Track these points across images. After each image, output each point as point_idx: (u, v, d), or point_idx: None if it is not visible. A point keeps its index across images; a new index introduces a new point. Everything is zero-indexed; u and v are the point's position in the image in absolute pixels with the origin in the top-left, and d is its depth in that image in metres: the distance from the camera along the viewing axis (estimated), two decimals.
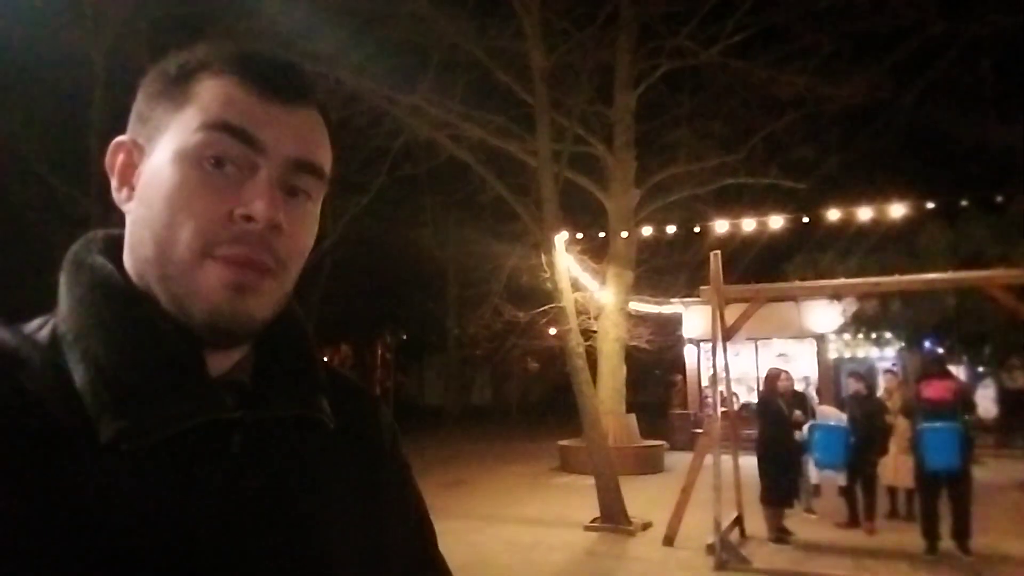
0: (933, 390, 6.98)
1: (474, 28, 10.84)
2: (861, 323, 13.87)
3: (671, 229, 12.78)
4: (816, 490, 8.81)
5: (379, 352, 27.86)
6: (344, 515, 0.73)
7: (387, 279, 22.03)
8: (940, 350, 11.40)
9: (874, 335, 14.10)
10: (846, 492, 8.28)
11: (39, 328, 0.67)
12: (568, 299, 9.11)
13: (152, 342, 0.64)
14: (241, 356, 0.73)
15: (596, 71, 12.43)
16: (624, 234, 12.91)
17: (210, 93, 0.67)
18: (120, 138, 0.71)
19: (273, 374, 0.73)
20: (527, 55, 9.76)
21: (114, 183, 0.71)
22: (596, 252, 12.87)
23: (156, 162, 0.67)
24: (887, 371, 9.38)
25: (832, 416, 8.57)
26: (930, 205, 11.45)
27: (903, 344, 13.40)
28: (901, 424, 7.84)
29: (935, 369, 7.29)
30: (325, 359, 0.86)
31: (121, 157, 0.70)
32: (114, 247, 0.71)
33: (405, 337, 28.45)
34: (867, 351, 15.11)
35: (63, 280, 0.69)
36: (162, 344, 0.64)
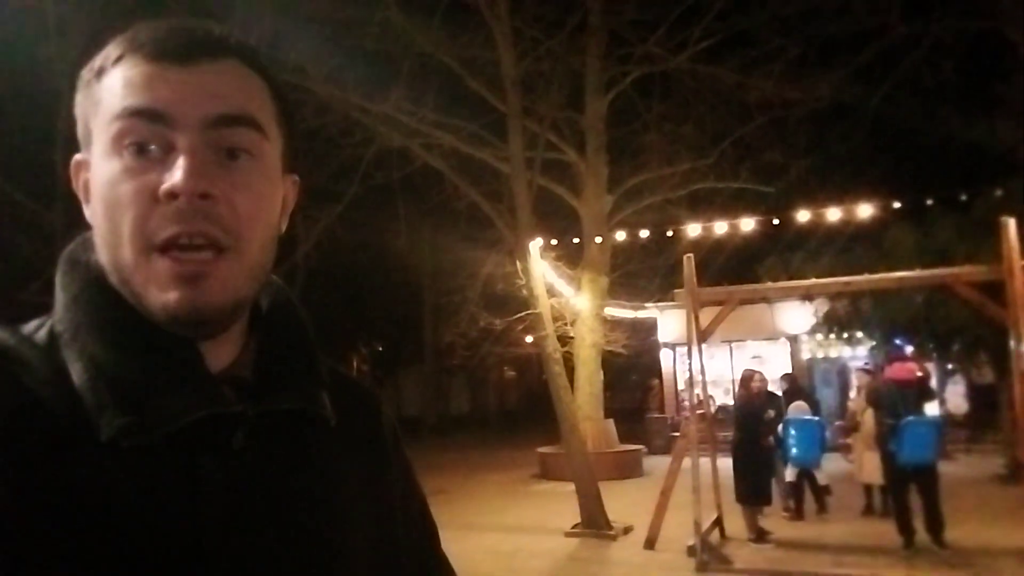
0: (898, 371, 7.16)
1: (445, 36, 10.83)
2: (833, 323, 14.04)
3: (644, 234, 12.88)
4: (792, 488, 8.93)
5: (354, 364, 27.66)
6: (349, 510, 0.73)
7: (361, 289, 21.90)
8: (909, 347, 11.59)
9: (846, 335, 14.29)
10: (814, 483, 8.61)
11: (37, 329, 0.66)
12: (544, 305, 9.12)
13: (148, 339, 0.63)
14: (240, 351, 0.72)
15: (567, 78, 12.48)
16: (598, 239, 12.97)
17: (116, 83, 0.64)
18: (77, 157, 0.70)
19: (274, 369, 0.72)
20: (498, 63, 9.78)
21: (84, 205, 0.69)
22: (571, 258, 12.92)
23: (93, 170, 0.66)
24: (859, 369, 9.51)
25: (802, 410, 8.70)
26: (897, 205, 11.67)
27: (874, 343, 13.58)
28: (868, 422, 7.96)
29: (898, 354, 7.64)
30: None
31: (78, 175, 0.69)
32: None
33: (380, 348, 28.29)
34: (840, 350, 15.29)
35: (58, 279, 0.68)
36: (159, 340, 0.64)
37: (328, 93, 10.19)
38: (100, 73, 0.66)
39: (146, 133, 0.63)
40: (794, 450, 8.29)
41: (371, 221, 15.99)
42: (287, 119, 0.73)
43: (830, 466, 9.05)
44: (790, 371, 9.37)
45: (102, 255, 0.66)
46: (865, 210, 10.88)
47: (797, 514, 8.65)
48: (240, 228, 0.65)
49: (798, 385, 9.60)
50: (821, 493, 8.80)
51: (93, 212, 0.66)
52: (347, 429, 0.76)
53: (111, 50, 0.66)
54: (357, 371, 27.49)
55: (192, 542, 0.60)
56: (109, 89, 0.64)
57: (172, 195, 0.61)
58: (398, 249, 17.40)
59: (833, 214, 10.99)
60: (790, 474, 8.80)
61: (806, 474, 8.75)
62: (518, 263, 9.36)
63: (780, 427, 8.32)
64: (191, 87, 0.64)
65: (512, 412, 26.77)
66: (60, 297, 0.67)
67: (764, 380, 8.41)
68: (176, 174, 0.61)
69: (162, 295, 0.62)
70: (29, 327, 0.67)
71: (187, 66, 0.64)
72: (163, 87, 0.63)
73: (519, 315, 10.56)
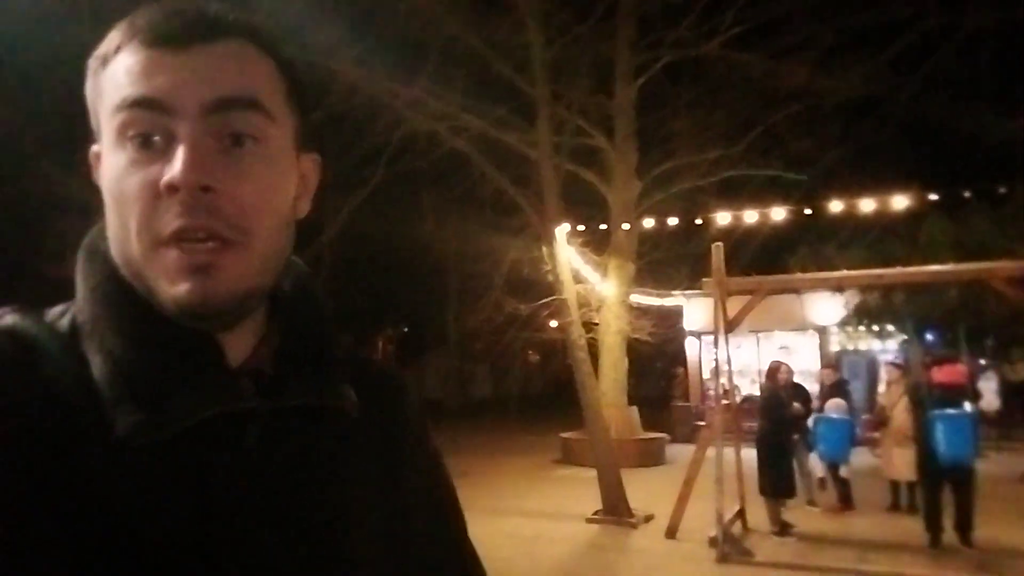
0: (945, 374, 7.00)
1: (474, 20, 10.77)
2: (863, 315, 13.84)
3: (673, 221, 12.74)
4: (821, 483, 8.86)
5: (379, 346, 27.86)
6: (366, 507, 0.71)
7: (387, 273, 22.00)
8: (942, 342, 11.40)
9: (876, 327, 14.07)
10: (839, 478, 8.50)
11: (60, 315, 0.66)
12: (570, 291, 9.09)
13: (166, 334, 0.63)
14: (260, 341, 0.70)
15: (596, 63, 12.36)
16: (626, 226, 12.87)
17: (117, 72, 0.63)
18: (93, 147, 0.69)
19: (293, 361, 0.70)
20: (527, 47, 9.70)
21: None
22: (598, 244, 12.83)
23: (103, 162, 0.65)
24: (889, 364, 9.37)
25: (837, 408, 8.59)
26: (932, 197, 11.44)
27: (905, 337, 13.37)
28: (899, 417, 7.85)
29: (945, 355, 7.44)
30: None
31: (95, 168, 0.68)
32: None
33: (405, 331, 28.45)
34: (869, 343, 15.08)
35: (78, 268, 0.68)
36: (176, 335, 0.63)
37: (356, 76, 10.18)
38: (104, 62, 0.64)
39: (148, 123, 0.61)
40: (822, 446, 8.21)
41: (397, 206, 16.04)
42: (300, 96, 0.70)
43: (856, 460, 8.94)
44: (833, 364, 9.30)
45: (113, 249, 0.65)
46: (899, 202, 10.68)
47: (846, 504, 8.53)
48: (245, 220, 0.63)
49: (840, 380, 9.48)
50: (846, 488, 8.70)
51: (106, 207, 0.65)
52: (369, 418, 0.74)
53: (113, 37, 0.64)
54: (382, 354, 27.70)
55: (201, 540, 0.59)
56: (111, 79, 0.63)
57: (173, 188, 0.60)
58: (424, 234, 17.45)
59: (866, 205, 10.79)
60: (820, 468, 8.72)
61: (831, 468, 8.69)
62: (544, 249, 9.32)
63: (810, 421, 8.25)
64: (188, 72, 0.62)
65: (535, 397, 26.79)
66: (80, 287, 0.67)
67: (790, 371, 8.33)
68: (176, 166, 0.60)
69: (172, 287, 0.61)
70: (54, 313, 0.66)
71: (183, 50, 0.62)
72: (159, 74, 0.61)
73: (544, 301, 10.53)
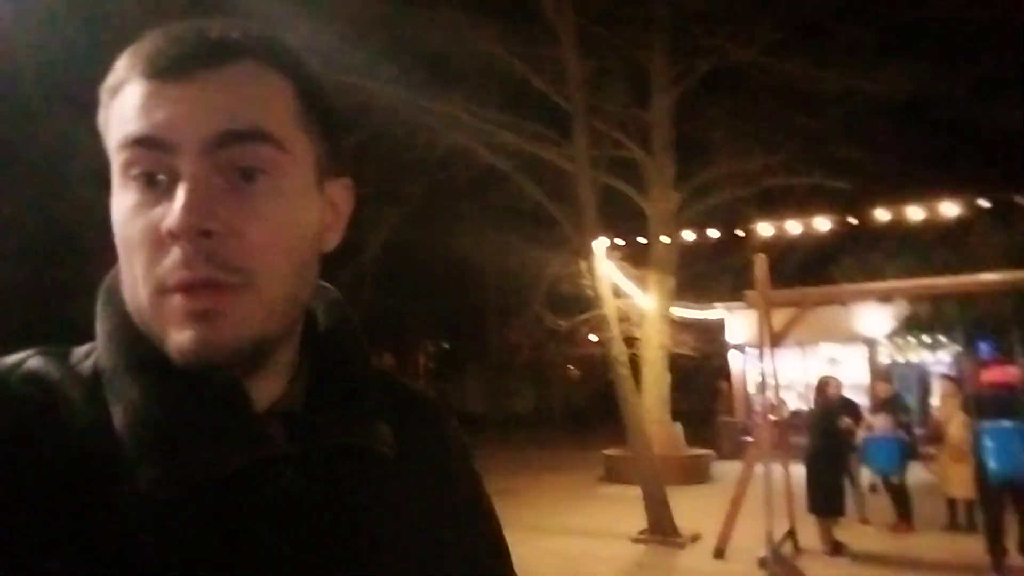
0: (994, 374, 6.75)
1: (508, 36, 10.81)
2: (913, 326, 13.46)
3: (713, 233, 12.57)
4: (873, 489, 8.58)
5: (421, 361, 27.98)
6: (406, 547, 0.68)
7: (427, 288, 22.13)
8: (995, 352, 11.01)
9: (927, 339, 13.66)
10: (895, 490, 8.19)
11: (84, 357, 0.63)
12: (610, 306, 9.00)
13: (187, 382, 0.59)
14: (291, 380, 0.67)
15: (632, 74, 12.30)
16: (665, 239, 12.74)
17: (122, 106, 0.59)
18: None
19: (326, 401, 0.67)
20: (562, 61, 9.69)
21: None
22: (637, 258, 12.71)
23: (112, 200, 0.61)
24: (944, 377, 9.07)
25: (884, 427, 8.34)
26: (983, 203, 11.09)
27: (958, 348, 12.96)
28: (954, 431, 7.60)
29: (996, 358, 7.19)
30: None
31: None
32: None
33: (446, 346, 28.53)
34: (920, 355, 14.66)
35: (97, 312, 0.65)
36: (198, 383, 0.59)
37: (394, 95, 10.28)
38: (112, 94, 0.60)
39: (151, 162, 0.57)
40: (872, 462, 7.98)
41: (437, 221, 16.14)
42: (323, 119, 0.64)
43: (911, 476, 8.65)
44: (887, 378, 9.05)
45: (125, 294, 0.61)
46: (949, 208, 10.37)
47: (905, 522, 8.22)
48: (251, 261, 0.58)
49: (895, 394, 9.18)
50: (906, 503, 8.37)
51: (117, 246, 0.61)
52: (408, 452, 0.70)
53: (120, 68, 0.60)
54: (423, 369, 27.82)
55: None
56: (117, 113, 0.59)
57: (173, 235, 0.56)
58: (463, 249, 17.53)
59: (914, 212, 10.51)
60: (869, 477, 8.46)
61: (885, 482, 8.40)
62: (583, 263, 9.26)
63: (859, 437, 8.02)
64: (189, 104, 0.57)
65: (577, 412, 26.61)
66: (99, 332, 0.63)
67: (840, 386, 8.12)
68: (174, 211, 0.55)
69: (176, 335, 0.57)
70: (78, 354, 0.64)
71: (185, 80, 0.57)
72: (159, 109, 0.57)
73: (584, 316, 10.45)
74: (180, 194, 0.56)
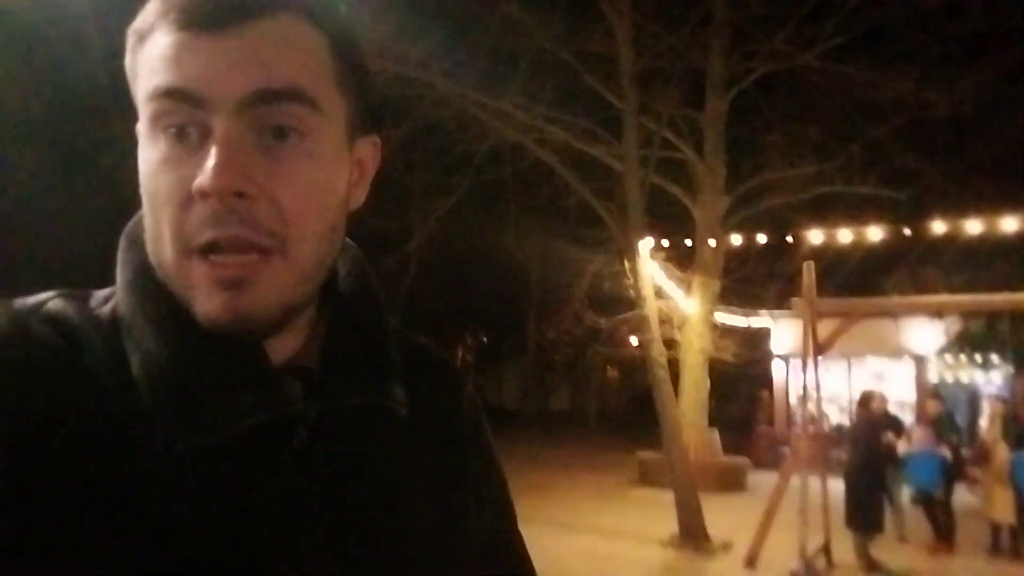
0: None
1: (564, 31, 10.77)
2: (965, 344, 13.04)
3: (762, 238, 12.36)
4: (915, 501, 8.38)
5: (459, 353, 28.13)
6: (420, 507, 0.68)
7: (470, 281, 22.24)
8: None
9: (979, 358, 13.23)
10: (937, 508, 7.95)
11: (104, 302, 0.63)
12: (651, 307, 8.93)
13: (206, 337, 0.58)
14: (307, 337, 0.66)
15: (686, 74, 12.15)
16: (712, 242, 12.57)
17: (151, 54, 0.57)
18: (138, 125, 0.64)
19: (342, 358, 0.66)
20: (616, 58, 9.63)
21: None
22: (682, 260, 12.57)
23: (140, 150, 0.60)
24: (994, 397, 8.80)
25: (927, 442, 8.12)
26: None
27: (1011, 368, 12.53)
28: (1000, 453, 7.38)
29: None
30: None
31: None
32: None
33: (485, 339, 28.63)
34: (971, 375, 14.21)
35: (119, 257, 0.64)
36: (216, 335, 0.58)
37: (447, 88, 10.33)
38: (141, 38, 0.58)
39: (181, 115, 0.56)
40: (913, 479, 7.78)
41: (482, 215, 16.19)
42: (354, 76, 0.63)
43: (955, 498, 8.40)
44: (938, 395, 8.85)
45: (149, 247, 0.60)
46: (1008, 223, 10.02)
47: (944, 542, 7.97)
48: (286, 226, 0.57)
49: (947, 412, 8.93)
50: (949, 524, 8.12)
51: (142, 197, 0.60)
52: (424, 413, 0.70)
53: (149, 11, 0.58)
54: (462, 361, 27.96)
55: (248, 547, 0.56)
56: (146, 61, 0.58)
57: (204, 194, 0.55)
58: (507, 243, 17.56)
59: (972, 226, 10.18)
60: (908, 494, 8.26)
61: (925, 502, 8.16)
62: (626, 263, 9.20)
63: (900, 452, 7.83)
64: (224, 59, 0.55)
65: (614, 413, 26.50)
66: (119, 279, 0.63)
67: (885, 400, 7.94)
68: (207, 170, 0.54)
69: (204, 302, 0.57)
70: (98, 298, 0.63)
71: (220, 32, 0.55)
72: (193, 61, 0.55)
73: (624, 316, 10.38)
74: (213, 152, 0.55)
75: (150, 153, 0.58)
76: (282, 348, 0.64)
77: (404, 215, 15.50)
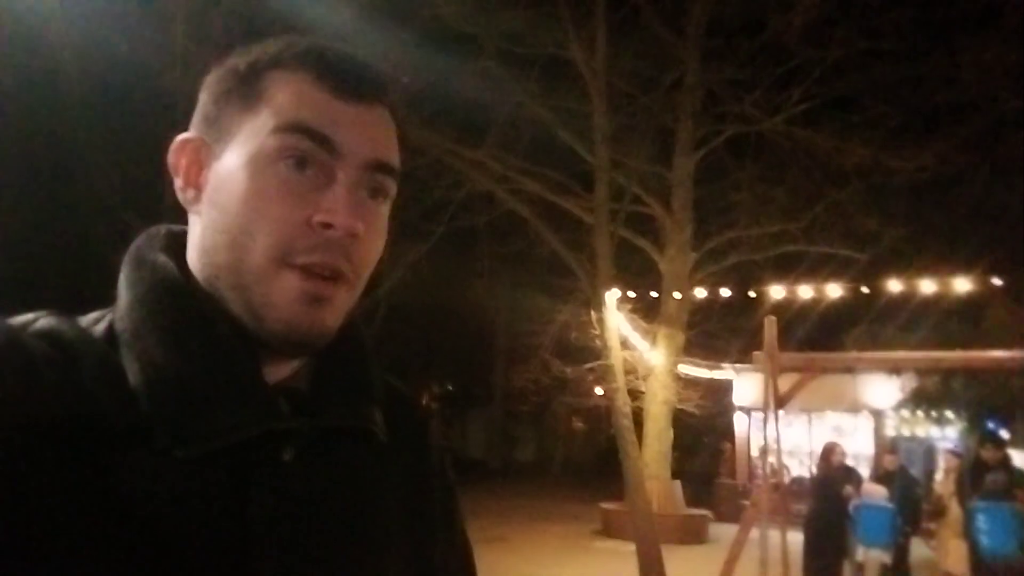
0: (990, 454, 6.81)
1: (540, 88, 11.08)
2: (921, 400, 13.36)
3: (726, 292, 12.63)
4: (859, 568, 8.44)
5: (424, 401, 27.84)
6: (395, 530, 0.72)
7: (437, 328, 22.14)
8: (1004, 432, 10.91)
9: (935, 413, 13.55)
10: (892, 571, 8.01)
11: (95, 322, 0.66)
12: (617, 357, 9.04)
13: (210, 346, 0.63)
14: (300, 363, 0.71)
15: (657, 133, 12.52)
16: (677, 295, 12.81)
17: (284, 93, 0.65)
18: (186, 135, 0.69)
19: (330, 383, 0.71)
20: (590, 115, 9.91)
21: (179, 182, 0.69)
22: (647, 312, 12.78)
23: (229, 165, 0.66)
24: (948, 451, 9.00)
25: (877, 495, 8.26)
26: (997, 281, 11.12)
27: (965, 424, 12.84)
28: (954, 506, 7.53)
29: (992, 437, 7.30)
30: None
31: (188, 155, 0.69)
32: (176, 244, 0.70)
33: (451, 388, 28.42)
34: (927, 430, 14.51)
35: (123, 275, 0.67)
36: (220, 349, 0.63)
37: (424, 137, 10.53)
38: (260, 72, 0.67)
39: (311, 154, 0.65)
40: (862, 532, 7.87)
41: (452, 262, 16.26)
42: (396, 208, 0.76)
43: (911, 552, 8.51)
44: (894, 450, 9.01)
45: (212, 255, 0.66)
46: (962, 284, 10.40)
47: None
48: (363, 267, 0.68)
49: (901, 467, 9.08)
50: None
51: (219, 210, 0.66)
52: (396, 445, 0.75)
53: (273, 51, 0.67)
54: (426, 408, 27.56)
55: (237, 555, 0.59)
56: (273, 97, 0.65)
57: (328, 226, 0.64)
58: (476, 291, 17.60)
59: (927, 286, 10.55)
60: (860, 554, 8.34)
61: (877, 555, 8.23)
62: (593, 313, 9.33)
63: (851, 507, 7.93)
64: (362, 128, 0.67)
65: (578, 465, 26.34)
66: (124, 296, 0.66)
67: (844, 454, 8.07)
68: (337, 207, 0.64)
69: (285, 310, 0.64)
70: (88, 319, 0.66)
71: (361, 104, 0.67)
72: (340, 117, 0.66)
73: (590, 365, 10.48)
74: (343, 195, 0.65)
75: (263, 177, 0.65)
76: (276, 371, 0.68)
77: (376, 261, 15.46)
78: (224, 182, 0.66)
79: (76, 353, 0.61)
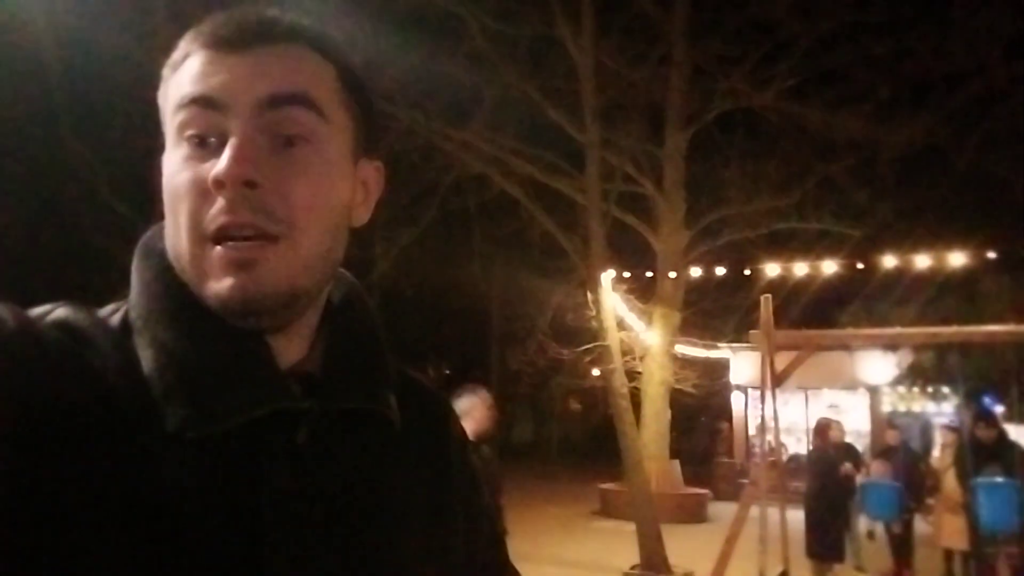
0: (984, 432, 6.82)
1: (529, 67, 10.96)
2: (917, 375, 13.39)
3: (721, 271, 12.59)
4: (870, 535, 8.50)
5: None
6: (407, 514, 0.71)
7: (432, 311, 22.13)
8: (999, 406, 10.95)
9: (931, 389, 13.60)
10: (895, 538, 8.11)
11: (111, 313, 0.67)
12: (613, 338, 9.01)
13: (218, 330, 0.63)
14: (310, 346, 0.71)
15: (647, 111, 12.43)
16: (672, 275, 12.76)
17: (182, 76, 0.65)
18: (165, 154, 0.70)
19: (342, 366, 0.70)
20: (579, 94, 9.82)
21: None
22: (643, 292, 12.74)
23: (164, 161, 0.66)
24: (945, 427, 9.02)
25: (881, 472, 8.28)
26: (991, 255, 11.10)
27: (961, 399, 12.89)
28: (949, 481, 7.55)
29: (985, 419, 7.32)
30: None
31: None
32: None
33: (448, 371, 28.44)
34: (923, 405, 14.57)
35: (134, 266, 0.69)
36: (229, 332, 0.63)
37: (413, 119, 10.42)
38: (174, 69, 0.66)
39: (204, 122, 0.63)
40: (870, 508, 7.91)
41: (446, 245, 16.21)
42: (359, 103, 0.70)
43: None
44: (896, 426, 9.10)
45: (168, 245, 0.66)
46: (957, 258, 10.38)
47: (903, 567, 8.10)
48: (293, 216, 0.63)
49: (903, 442, 9.15)
50: (907, 553, 8.27)
51: (163, 202, 0.66)
52: (412, 432, 0.74)
53: (183, 45, 0.66)
54: None
55: (251, 536, 0.59)
56: (176, 82, 0.65)
57: (219, 183, 0.60)
58: (470, 274, 17.57)
59: (922, 261, 10.52)
60: (866, 522, 8.39)
61: (887, 529, 8.32)
62: (589, 294, 9.29)
63: (858, 482, 7.96)
64: (243, 70, 0.63)
65: (577, 444, 26.46)
66: (134, 284, 0.67)
67: (842, 431, 8.08)
68: (222, 162, 0.60)
69: (216, 284, 0.62)
70: (104, 311, 0.67)
71: (242, 51, 0.64)
72: (217, 73, 0.63)
73: (587, 347, 10.45)
74: (228, 148, 0.61)
75: (173, 157, 0.64)
76: (287, 352, 0.68)
77: (368, 246, 15.47)
78: (163, 178, 0.66)
79: (90, 341, 0.61)
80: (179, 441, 0.59)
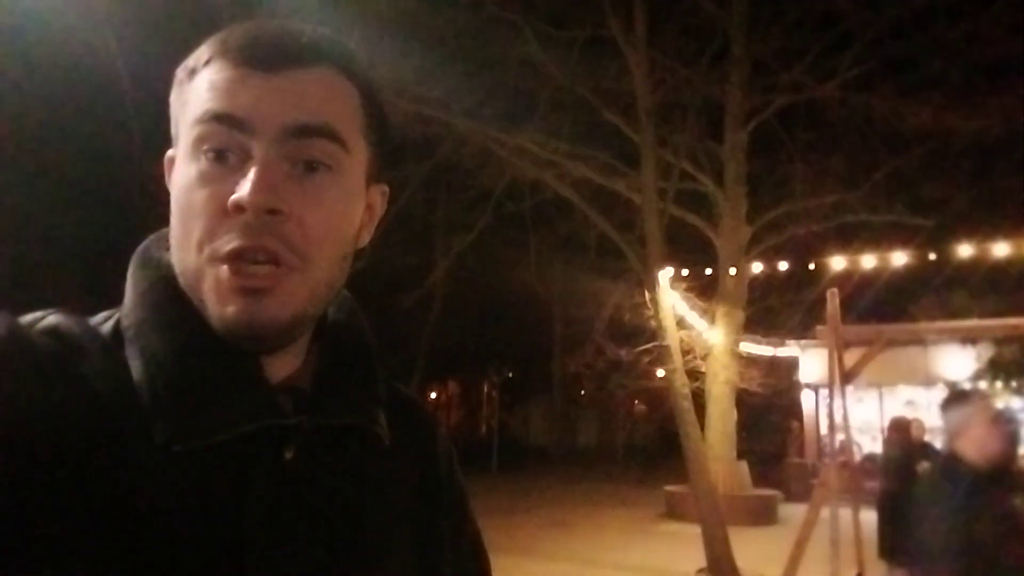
0: None
1: (581, 68, 10.91)
2: (999, 370, 12.76)
3: (784, 266, 12.26)
4: None
5: (485, 389, 28.02)
6: (393, 532, 0.71)
7: (494, 317, 22.26)
8: None
9: (1014, 383, 12.94)
10: None
11: (104, 321, 0.67)
12: (673, 338, 8.87)
13: (210, 344, 0.63)
14: (302, 362, 0.71)
15: (705, 107, 12.21)
16: (733, 271, 12.49)
17: (202, 85, 0.63)
18: (169, 152, 0.70)
19: (332, 382, 0.70)
20: (633, 93, 9.72)
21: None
22: (704, 290, 12.50)
23: (176, 170, 0.66)
24: None
25: None
26: None
27: None
28: None
29: None
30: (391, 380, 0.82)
31: (167, 168, 0.70)
32: None
33: (511, 375, 28.53)
34: (1007, 401, 13.87)
35: (129, 274, 0.69)
36: (220, 346, 0.63)
37: (467, 127, 10.49)
38: (192, 73, 0.65)
39: (225, 139, 0.62)
40: None
41: (503, 250, 16.27)
42: (378, 128, 0.71)
43: None
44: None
45: (174, 256, 0.65)
46: None
47: None
48: (308, 246, 0.63)
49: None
50: None
51: (172, 214, 0.66)
52: (400, 449, 0.74)
53: (204, 50, 0.65)
54: (487, 397, 27.83)
55: (234, 551, 0.59)
56: (195, 91, 0.64)
57: (239, 208, 0.60)
58: (529, 278, 17.61)
59: (1000, 249, 10.03)
60: None
61: None
62: (647, 294, 9.17)
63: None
64: (273, 94, 0.62)
65: (641, 447, 26.17)
66: (129, 293, 0.67)
67: (923, 428, 7.75)
68: (245, 186, 0.60)
69: (221, 306, 0.62)
70: (96, 319, 0.67)
71: (272, 73, 0.63)
72: (244, 93, 0.62)
73: (645, 347, 10.32)
74: (251, 172, 0.60)
75: (189, 170, 0.63)
76: (278, 369, 0.68)
77: (427, 252, 15.66)
78: (173, 188, 0.66)
79: (80, 349, 0.61)
80: (167, 453, 0.58)
